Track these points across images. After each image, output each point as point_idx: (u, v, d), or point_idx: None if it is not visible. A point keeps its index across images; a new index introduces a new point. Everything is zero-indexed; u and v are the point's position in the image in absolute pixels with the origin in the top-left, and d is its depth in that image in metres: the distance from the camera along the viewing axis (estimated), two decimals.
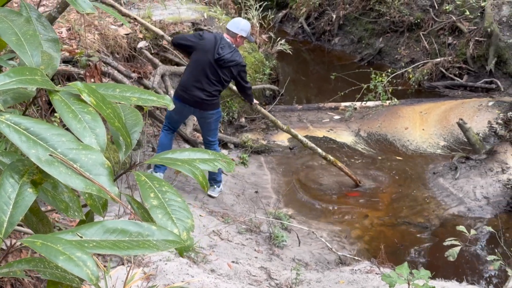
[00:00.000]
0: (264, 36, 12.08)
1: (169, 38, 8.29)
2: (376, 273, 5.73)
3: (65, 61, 7.29)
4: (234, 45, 6.92)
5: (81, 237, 1.19)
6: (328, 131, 10.45)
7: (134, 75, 8.09)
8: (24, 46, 1.42)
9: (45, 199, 1.37)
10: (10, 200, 1.19)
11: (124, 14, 8.32)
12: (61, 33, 7.95)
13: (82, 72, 6.91)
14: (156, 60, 8.93)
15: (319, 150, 8.38)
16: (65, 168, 1.19)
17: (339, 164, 8.41)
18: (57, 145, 1.21)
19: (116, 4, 8.52)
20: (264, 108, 10.91)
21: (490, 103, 11.82)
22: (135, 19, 8.54)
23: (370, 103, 11.15)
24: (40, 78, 1.32)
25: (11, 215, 1.17)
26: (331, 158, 8.39)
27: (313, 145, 8.43)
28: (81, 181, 1.19)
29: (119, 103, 1.47)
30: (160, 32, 8.54)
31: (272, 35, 12.10)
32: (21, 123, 1.21)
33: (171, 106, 1.51)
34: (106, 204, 1.45)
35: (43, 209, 1.59)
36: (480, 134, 9.97)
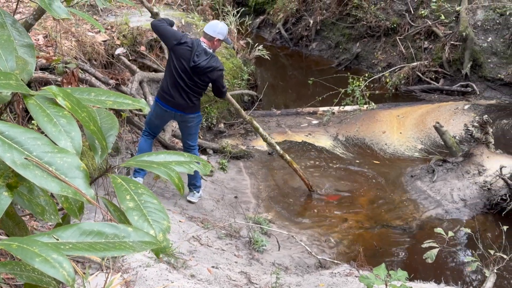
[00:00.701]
0: (242, 42, 12.10)
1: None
2: (356, 276, 5.76)
3: (42, 68, 7.25)
4: (211, 49, 6.89)
5: (57, 239, 1.19)
6: (307, 136, 10.49)
7: (112, 81, 8.06)
8: None
9: (21, 203, 1.37)
10: None
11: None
12: (38, 40, 7.91)
13: (59, 79, 6.88)
14: (134, 67, 8.91)
15: (278, 148, 8.36)
16: (40, 171, 1.19)
17: (295, 165, 8.37)
18: (32, 149, 1.22)
19: None
20: None
21: (466, 106, 11.96)
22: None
23: (348, 108, 11.22)
24: (14, 82, 1.33)
25: None
26: (288, 158, 8.36)
27: (272, 141, 8.43)
28: (56, 184, 1.20)
29: (95, 107, 1.47)
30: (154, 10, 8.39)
31: (250, 41, 12.14)
32: None
33: (146, 110, 1.52)
34: (83, 207, 1.45)
35: (19, 214, 1.59)
36: (457, 137, 10.07)
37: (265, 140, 8.37)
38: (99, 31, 8.96)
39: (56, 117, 1.31)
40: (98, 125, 1.41)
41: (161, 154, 1.58)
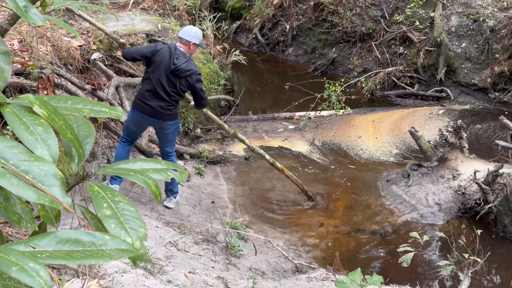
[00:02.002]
0: (218, 47, 12.12)
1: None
2: (332, 280, 5.79)
3: (17, 74, 7.20)
4: (188, 54, 6.90)
5: (33, 248, 1.20)
6: (283, 141, 10.53)
7: (88, 87, 8.04)
8: None
9: None
10: None
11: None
12: (13, 45, 7.86)
13: (34, 84, 6.84)
14: (110, 72, 8.88)
15: (267, 157, 8.39)
16: (17, 179, 1.19)
17: (287, 172, 8.41)
18: (9, 157, 1.22)
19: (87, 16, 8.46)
20: (220, 119, 10.97)
21: (441, 111, 12.08)
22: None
23: (324, 113, 11.28)
24: None
25: None
26: (278, 165, 8.39)
27: (261, 151, 8.45)
28: (33, 192, 1.20)
29: (71, 114, 1.48)
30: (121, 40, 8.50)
31: (227, 46, 12.16)
32: None
33: (123, 118, 1.53)
34: (59, 215, 1.45)
35: None
36: (431, 142, 10.17)
37: (252, 150, 8.40)
38: (75, 36, 8.91)
39: (33, 125, 1.31)
40: (75, 133, 1.41)
41: (138, 161, 1.59)
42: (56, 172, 1.24)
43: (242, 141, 8.39)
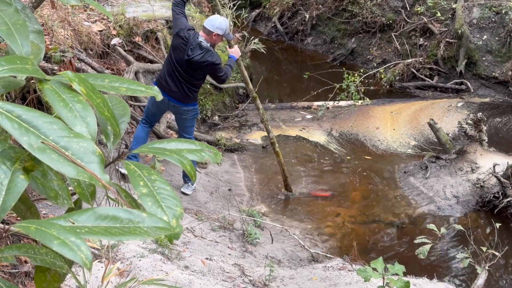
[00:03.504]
0: (237, 35, 12.09)
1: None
2: (349, 270, 5.79)
3: None
4: (208, 44, 6.84)
5: (73, 223, 1.20)
6: (301, 130, 10.51)
7: (107, 71, 8.06)
8: (15, 35, 1.43)
9: (35, 186, 1.38)
10: (3, 186, 1.19)
11: None
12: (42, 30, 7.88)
13: (56, 67, 6.87)
14: (130, 57, 8.90)
15: (272, 134, 8.14)
16: (57, 155, 1.20)
17: (280, 158, 8.17)
18: (49, 133, 1.22)
19: None
20: (237, 108, 10.96)
21: (460, 104, 12.01)
22: None
23: (342, 103, 11.25)
24: (30, 67, 1.33)
25: (3, 201, 1.18)
26: (277, 148, 8.17)
27: (269, 127, 8.22)
28: (73, 168, 1.20)
29: (107, 93, 1.48)
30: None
31: (246, 34, 12.13)
32: (13, 110, 1.21)
33: (160, 97, 1.53)
34: (95, 192, 1.46)
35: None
36: (450, 134, 10.12)
37: (262, 121, 8.20)
38: (96, 21, 8.93)
39: (72, 102, 1.31)
40: (111, 112, 1.42)
41: (172, 141, 1.59)
42: (95, 149, 1.24)
43: (258, 108, 8.17)
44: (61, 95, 1.33)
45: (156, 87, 1.54)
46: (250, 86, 8.12)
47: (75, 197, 1.52)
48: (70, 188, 1.45)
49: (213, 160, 1.56)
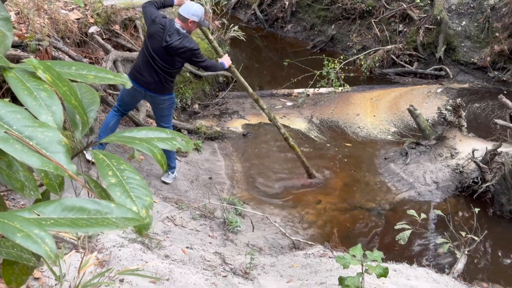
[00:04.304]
0: (217, 23, 12.02)
1: None
2: (329, 257, 5.79)
3: (14, 46, 7.13)
4: (185, 30, 6.77)
5: (38, 215, 1.17)
6: (282, 118, 10.49)
7: (85, 60, 7.97)
8: None
9: (0, 177, 1.35)
10: None
11: None
12: (10, 17, 7.77)
13: (32, 56, 6.77)
14: (108, 46, 8.81)
15: (282, 130, 8.21)
16: (21, 145, 1.16)
17: (297, 150, 8.31)
18: (12, 122, 1.19)
19: None
20: (217, 96, 10.91)
21: (439, 90, 12.05)
22: None
23: (322, 90, 11.23)
24: None
25: None
26: (291, 142, 8.24)
27: (278, 124, 8.28)
28: (37, 158, 1.17)
29: (75, 81, 1.44)
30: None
31: (225, 22, 12.06)
32: None
33: (129, 84, 1.49)
34: (63, 183, 1.42)
35: None
36: (430, 120, 10.15)
37: (270, 120, 8.22)
38: (73, 9, 8.82)
39: (37, 91, 1.28)
40: (79, 100, 1.38)
41: (143, 130, 1.55)
42: (60, 138, 1.21)
43: (262, 109, 8.19)
44: (26, 83, 1.29)
45: (125, 74, 1.50)
46: (250, 90, 8.12)
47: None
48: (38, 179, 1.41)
49: (184, 148, 1.53)
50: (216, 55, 8.15)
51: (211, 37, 7.88)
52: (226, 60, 7.41)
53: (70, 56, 7.78)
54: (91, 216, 1.20)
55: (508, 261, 7.08)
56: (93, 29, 8.80)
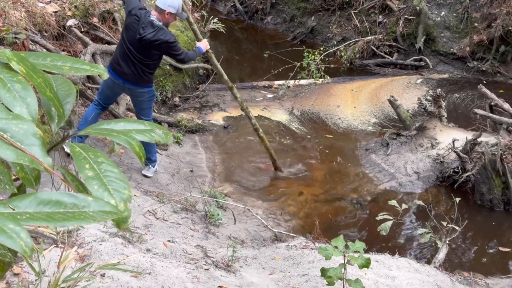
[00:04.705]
0: (196, 15, 11.96)
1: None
2: (311, 248, 5.80)
3: None
4: (161, 23, 6.68)
5: (13, 209, 1.14)
6: (262, 110, 10.47)
7: (63, 53, 7.89)
8: None
9: None
10: None
11: None
12: None
13: (8, 50, 6.68)
14: (87, 39, 8.73)
15: (253, 121, 8.14)
16: None
17: (266, 142, 8.23)
18: None
19: None
20: (197, 89, 10.86)
21: (419, 80, 12.10)
22: None
23: (303, 81, 11.23)
24: None
25: None
26: (261, 133, 8.19)
27: (250, 114, 8.22)
28: (12, 151, 1.14)
29: (50, 72, 1.41)
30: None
31: (205, 14, 12.00)
32: None
33: (105, 75, 1.46)
34: (39, 176, 1.39)
35: None
36: (410, 111, 10.19)
37: (243, 109, 8.15)
38: (50, 2, 8.73)
39: (10, 82, 1.24)
40: (54, 91, 1.35)
41: (121, 122, 1.52)
42: (35, 131, 1.18)
43: (235, 97, 8.12)
44: None
45: (101, 65, 1.47)
46: (225, 77, 8.04)
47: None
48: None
49: (163, 140, 1.50)
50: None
51: (191, 19, 7.77)
52: (203, 45, 7.32)
53: (47, 50, 7.70)
54: (67, 210, 1.17)
55: (489, 250, 7.14)
56: (71, 22, 8.71)
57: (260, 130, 8.20)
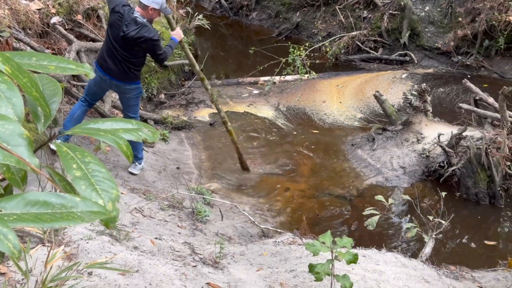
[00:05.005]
0: (181, 11, 11.93)
1: None
2: (299, 244, 5.81)
3: None
4: (145, 19, 6.63)
5: (0, 210, 1.13)
6: (248, 106, 10.47)
7: (48, 51, 7.84)
8: None
9: None
10: None
11: None
12: None
13: None
14: (71, 36, 8.68)
15: (222, 114, 8.09)
16: None
17: (234, 136, 8.17)
18: None
19: None
20: (183, 86, 10.83)
21: (404, 75, 12.14)
22: None
23: (288, 77, 11.23)
24: None
25: None
26: (229, 127, 8.12)
27: (219, 107, 8.13)
28: None
29: (36, 72, 1.40)
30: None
31: (190, 10, 11.97)
32: None
33: (92, 75, 1.46)
34: (26, 177, 1.38)
35: None
36: (396, 106, 10.22)
37: (212, 101, 8.10)
38: None
39: None
40: (40, 91, 1.34)
41: (108, 121, 1.52)
42: (22, 131, 1.18)
43: (206, 89, 8.04)
44: None
45: (87, 64, 1.46)
46: (197, 67, 7.99)
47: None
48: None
49: (150, 139, 1.50)
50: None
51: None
52: (177, 35, 7.24)
53: (32, 47, 7.65)
54: (55, 211, 1.16)
55: (475, 243, 7.18)
56: (55, 19, 8.66)
57: (229, 124, 8.13)
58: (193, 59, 7.93)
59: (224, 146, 9.00)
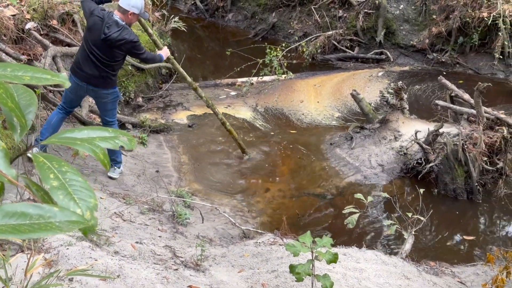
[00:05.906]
0: (157, 14, 11.91)
1: None
2: (280, 245, 5.83)
3: None
4: (124, 23, 6.67)
5: None
6: (226, 108, 10.48)
7: (23, 57, 7.79)
8: None
9: None
10: None
11: None
12: None
13: None
14: (46, 41, 8.63)
15: (219, 116, 8.38)
16: None
17: (234, 134, 8.45)
18: None
19: None
20: (160, 88, 10.82)
21: (380, 74, 12.22)
22: None
23: (266, 78, 11.26)
24: None
25: None
26: (228, 126, 8.36)
27: (216, 110, 8.42)
28: None
29: (11, 83, 1.40)
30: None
31: (165, 13, 11.95)
32: None
33: (67, 84, 1.46)
34: (3, 188, 1.38)
35: None
36: (373, 104, 10.30)
37: (209, 106, 8.30)
38: (8, 5, 8.60)
39: None
40: (16, 102, 1.34)
41: (84, 130, 1.52)
42: None
43: (200, 97, 8.29)
44: None
45: (63, 74, 1.47)
46: (189, 79, 8.26)
47: None
48: None
49: (128, 146, 1.50)
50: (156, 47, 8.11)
51: (150, 30, 7.87)
52: (164, 52, 7.39)
53: (7, 54, 7.60)
54: (33, 221, 1.17)
55: (454, 239, 7.26)
56: (30, 25, 8.61)
57: (227, 124, 8.37)
58: (184, 72, 8.17)
59: (203, 148, 9.00)
